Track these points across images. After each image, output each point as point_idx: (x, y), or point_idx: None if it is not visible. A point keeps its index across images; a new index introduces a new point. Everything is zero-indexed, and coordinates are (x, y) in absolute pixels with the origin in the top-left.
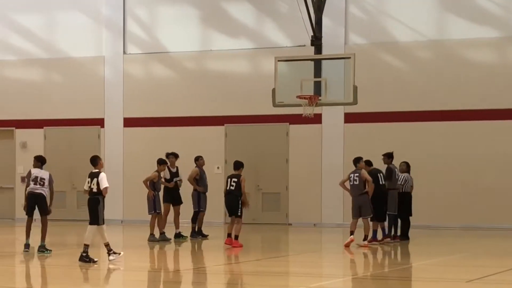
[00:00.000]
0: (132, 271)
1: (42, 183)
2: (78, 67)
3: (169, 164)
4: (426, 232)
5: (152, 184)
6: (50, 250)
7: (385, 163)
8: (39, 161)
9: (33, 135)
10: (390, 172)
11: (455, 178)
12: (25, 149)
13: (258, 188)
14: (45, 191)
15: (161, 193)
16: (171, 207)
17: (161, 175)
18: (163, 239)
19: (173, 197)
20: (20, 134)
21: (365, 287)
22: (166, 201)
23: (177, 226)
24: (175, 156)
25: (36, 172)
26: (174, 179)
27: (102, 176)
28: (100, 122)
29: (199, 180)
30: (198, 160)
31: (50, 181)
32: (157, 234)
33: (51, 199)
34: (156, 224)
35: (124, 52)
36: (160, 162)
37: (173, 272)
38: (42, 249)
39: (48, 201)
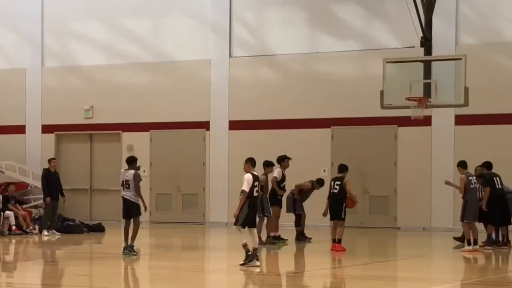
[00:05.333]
0: (234, 274)
1: (127, 185)
2: (184, 70)
3: (283, 167)
4: None
5: (260, 187)
6: (136, 253)
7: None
8: (126, 162)
9: (140, 138)
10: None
11: None
12: (131, 152)
13: (365, 191)
14: (130, 193)
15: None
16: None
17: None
18: (271, 242)
19: (280, 201)
20: (127, 137)
21: None
22: (275, 205)
23: (277, 229)
24: (289, 159)
25: (123, 175)
26: (283, 184)
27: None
28: (205, 125)
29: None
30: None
31: (135, 180)
32: (264, 237)
33: (140, 198)
34: (264, 227)
35: (230, 55)
36: (267, 164)
37: (275, 275)
38: (130, 249)
39: (137, 202)
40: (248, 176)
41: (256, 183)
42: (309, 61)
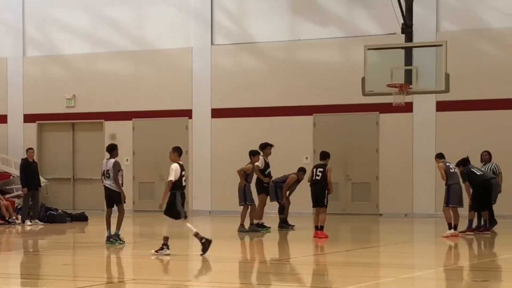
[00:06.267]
0: (219, 262)
1: (108, 174)
2: (166, 58)
3: (265, 154)
4: None
5: (245, 175)
6: (123, 242)
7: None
8: (107, 151)
9: (122, 127)
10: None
11: None
12: (114, 141)
13: (347, 178)
14: (111, 182)
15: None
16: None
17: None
18: (254, 230)
19: (266, 188)
20: (109, 126)
21: (458, 278)
22: (262, 193)
23: (261, 217)
24: (272, 146)
25: (104, 164)
26: (268, 170)
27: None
28: (188, 113)
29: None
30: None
31: (114, 169)
32: (247, 225)
33: (118, 188)
34: (247, 215)
35: (212, 43)
36: (253, 153)
37: (259, 262)
38: (115, 237)
39: (118, 190)
40: (175, 166)
41: (184, 172)
42: (291, 49)
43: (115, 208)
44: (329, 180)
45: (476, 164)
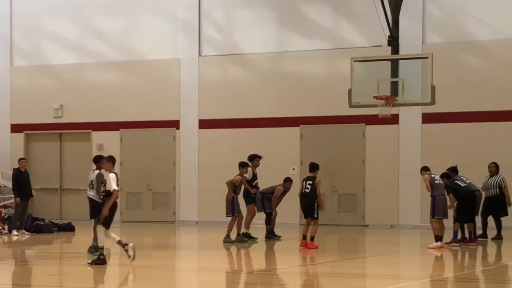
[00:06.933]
0: (205, 272)
1: (92, 185)
2: (154, 69)
3: (253, 166)
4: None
5: (234, 186)
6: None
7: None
8: (93, 162)
9: (110, 137)
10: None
11: None
12: (101, 152)
13: (334, 189)
14: (95, 193)
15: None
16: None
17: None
18: (241, 240)
19: (254, 198)
20: (97, 136)
21: None
22: (250, 203)
23: (248, 227)
24: (260, 157)
25: (90, 175)
26: (255, 182)
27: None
28: (175, 124)
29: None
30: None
31: (97, 180)
32: (233, 236)
33: (100, 199)
34: (234, 226)
35: (200, 54)
36: (242, 165)
37: (247, 273)
38: (92, 249)
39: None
40: (113, 175)
41: (118, 182)
42: (278, 60)
43: None
44: (318, 193)
45: (482, 175)
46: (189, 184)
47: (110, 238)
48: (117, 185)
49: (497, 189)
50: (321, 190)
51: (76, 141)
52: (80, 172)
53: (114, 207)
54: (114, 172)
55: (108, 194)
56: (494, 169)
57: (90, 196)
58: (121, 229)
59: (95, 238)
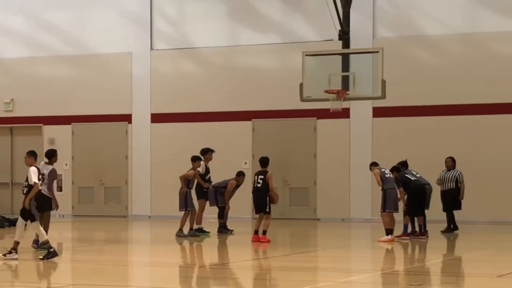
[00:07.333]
0: (158, 266)
1: (43, 179)
2: (105, 63)
3: (206, 160)
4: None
5: (187, 181)
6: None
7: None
8: (46, 156)
9: (61, 131)
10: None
11: (482, 173)
12: (53, 146)
13: (286, 183)
14: (45, 187)
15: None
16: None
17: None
18: (194, 234)
19: (206, 193)
20: (48, 130)
21: (394, 282)
22: (201, 198)
23: (200, 222)
24: (213, 151)
25: (42, 168)
26: (208, 176)
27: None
28: (127, 118)
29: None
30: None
31: (49, 176)
32: (185, 230)
33: (52, 195)
34: (187, 220)
35: (152, 48)
36: (195, 159)
37: (199, 267)
38: (42, 245)
39: (50, 196)
40: (33, 169)
41: (40, 176)
42: (230, 54)
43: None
44: (271, 187)
45: (433, 169)
46: (142, 178)
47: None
48: (39, 179)
49: (453, 183)
50: (273, 184)
51: (27, 135)
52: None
53: (34, 200)
54: (35, 166)
55: (30, 187)
56: (451, 163)
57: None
58: (73, 224)
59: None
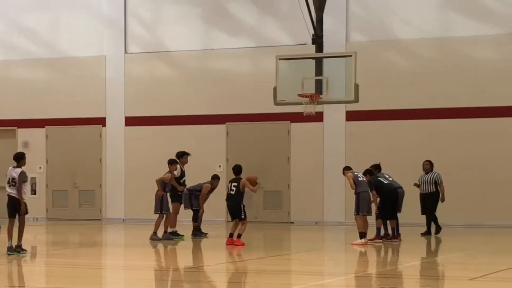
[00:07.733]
0: (133, 270)
1: (14, 183)
2: (79, 66)
3: (181, 163)
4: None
5: (163, 184)
6: (25, 251)
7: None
8: (14, 159)
9: (35, 135)
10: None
11: (457, 176)
12: (27, 149)
13: (259, 186)
14: (15, 191)
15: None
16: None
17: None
18: (168, 238)
19: (180, 197)
20: (22, 133)
21: (367, 285)
22: (175, 201)
23: (174, 225)
24: (188, 154)
25: (10, 172)
26: (183, 179)
27: None
28: (101, 121)
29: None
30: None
31: (19, 179)
32: (160, 233)
33: (20, 198)
34: (162, 224)
35: (126, 51)
36: (171, 162)
37: (173, 270)
38: (18, 249)
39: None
40: None
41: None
42: (204, 58)
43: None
44: (252, 188)
45: (407, 172)
46: (116, 182)
47: None
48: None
49: (433, 186)
50: (249, 186)
51: (0, 138)
52: (5, 170)
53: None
54: None
55: None
56: (429, 166)
57: (11, 194)
58: (47, 227)
59: (10, 237)
